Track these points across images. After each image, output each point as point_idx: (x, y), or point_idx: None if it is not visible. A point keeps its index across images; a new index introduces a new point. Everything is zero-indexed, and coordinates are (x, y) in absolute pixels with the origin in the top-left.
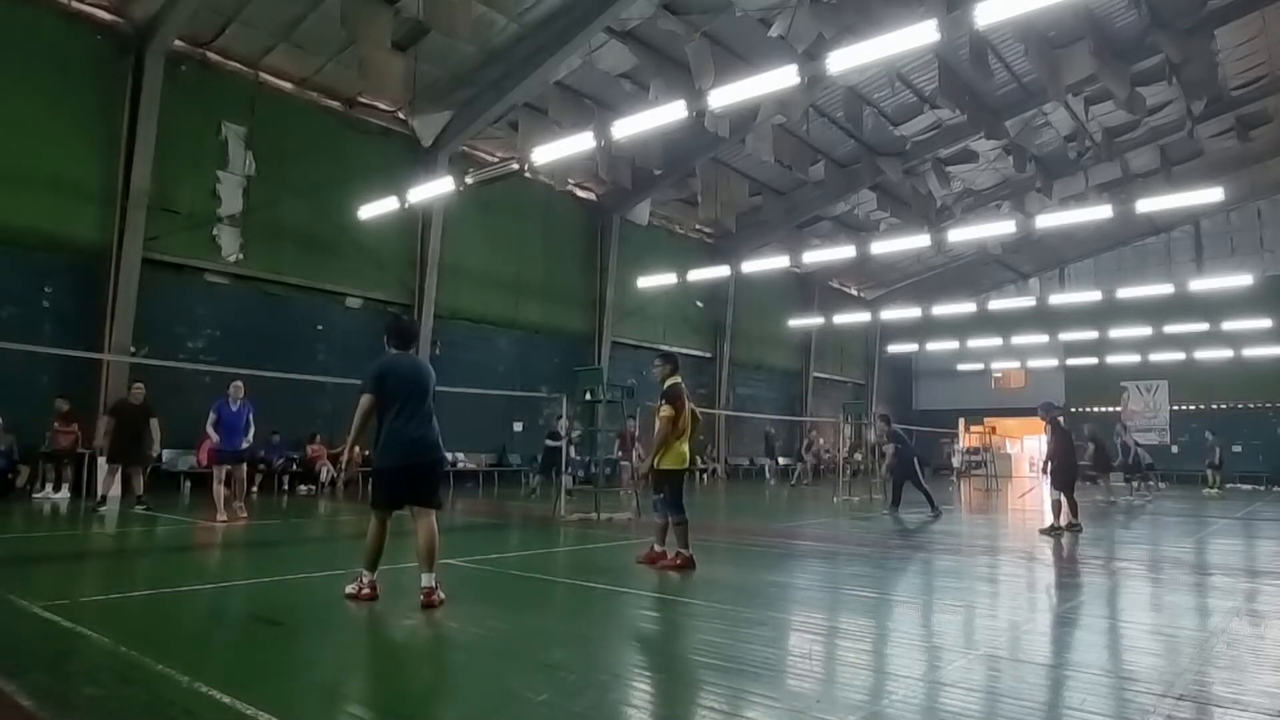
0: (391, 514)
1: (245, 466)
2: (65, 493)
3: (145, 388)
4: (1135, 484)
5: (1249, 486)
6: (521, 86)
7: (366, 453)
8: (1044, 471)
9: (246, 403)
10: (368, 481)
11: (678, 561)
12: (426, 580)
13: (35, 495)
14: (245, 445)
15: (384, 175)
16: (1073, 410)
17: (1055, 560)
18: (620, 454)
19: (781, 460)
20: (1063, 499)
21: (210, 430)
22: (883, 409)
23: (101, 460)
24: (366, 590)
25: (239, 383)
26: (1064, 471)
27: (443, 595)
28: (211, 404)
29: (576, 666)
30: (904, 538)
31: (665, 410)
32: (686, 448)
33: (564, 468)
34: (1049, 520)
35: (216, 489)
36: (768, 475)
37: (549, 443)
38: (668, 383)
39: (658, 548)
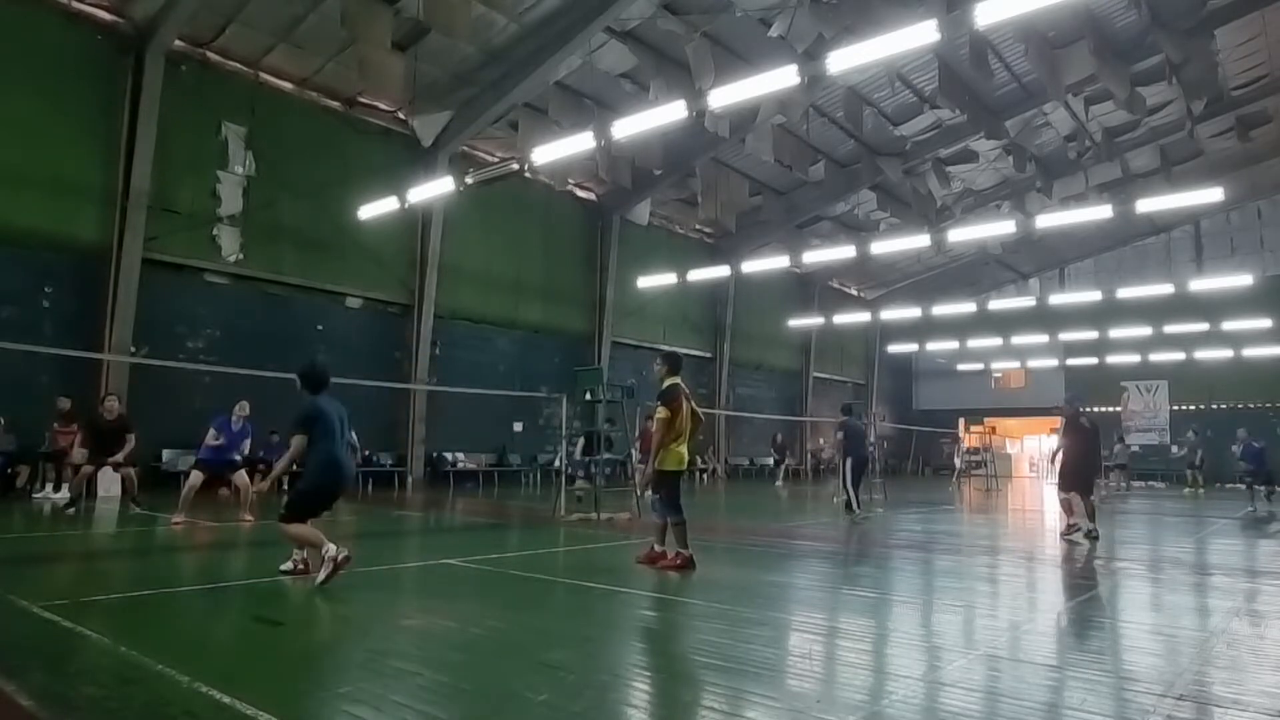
0: None
1: (244, 473)
2: (65, 493)
3: (121, 402)
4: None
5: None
6: (521, 86)
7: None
8: (1051, 462)
9: (247, 424)
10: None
11: (678, 562)
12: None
13: (35, 495)
14: (237, 457)
15: (384, 175)
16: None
17: (1055, 560)
18: (640, 455)
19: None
20: (1075, 500)
21: (210, 441)
22: (847, 403)
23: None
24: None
25: (245, 402)
26: (1077, 472)
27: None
28: (211, 408)
29: (576, 666)
30: (904, 538)
31: (661, 412)
32: (685, 449)
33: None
34: (1062, 523)
35: (186, 490)
36: (780, 479)
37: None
38: (665, 384)
39: (657, 547)
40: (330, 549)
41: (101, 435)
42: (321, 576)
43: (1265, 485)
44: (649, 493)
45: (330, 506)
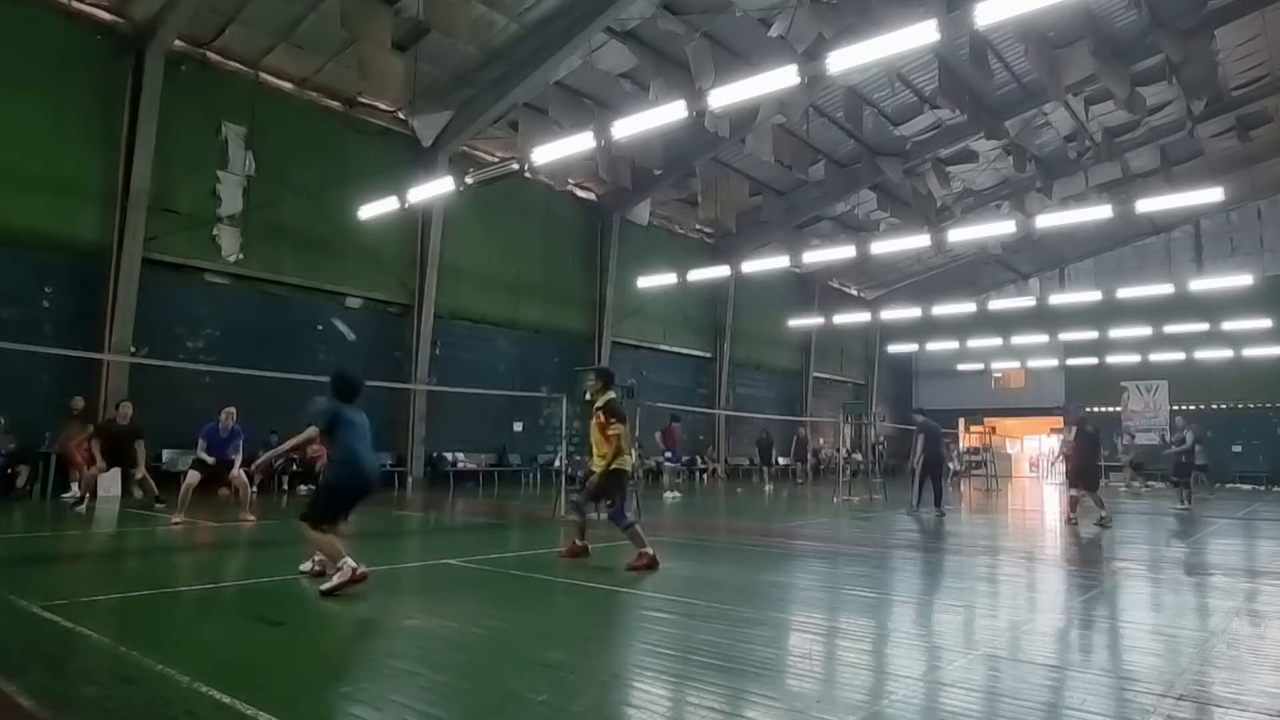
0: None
1: (242, 473)
2: (76, 492)
3: (134, 406)
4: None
5: (1249, 486)
6: (521, 86)
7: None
8: (1053, 463)
9: (237, 429)
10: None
11: (642, 562)
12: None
13: (63, 496)
14: (234, 457)
15: (384, 175)
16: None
17: (1055, 560)
18: (668, 455)
19: (782, 460)
20: (1085, 496)
21: (203, 455)
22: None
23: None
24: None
25: (231, 409)
26: (1086, 471)
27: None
28: (208, 410)
29: (576, 666)
30: (904, 538)
31: (616, 428)
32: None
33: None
34: (1064, 514)
35: (184, 490)
36: (766, 480)
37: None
38: (606, 399)
39: (579, 542)
40: (349, 562)
41: (115, 440)
42: (330, 584)
43: (1180, 480)
44: (603, 501)
45: (350, 509)
